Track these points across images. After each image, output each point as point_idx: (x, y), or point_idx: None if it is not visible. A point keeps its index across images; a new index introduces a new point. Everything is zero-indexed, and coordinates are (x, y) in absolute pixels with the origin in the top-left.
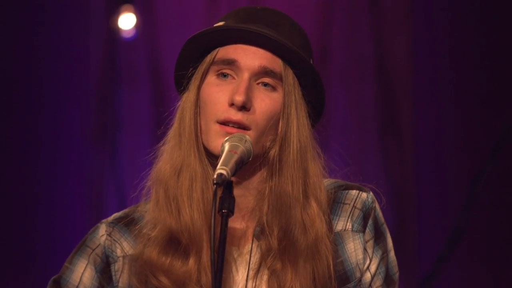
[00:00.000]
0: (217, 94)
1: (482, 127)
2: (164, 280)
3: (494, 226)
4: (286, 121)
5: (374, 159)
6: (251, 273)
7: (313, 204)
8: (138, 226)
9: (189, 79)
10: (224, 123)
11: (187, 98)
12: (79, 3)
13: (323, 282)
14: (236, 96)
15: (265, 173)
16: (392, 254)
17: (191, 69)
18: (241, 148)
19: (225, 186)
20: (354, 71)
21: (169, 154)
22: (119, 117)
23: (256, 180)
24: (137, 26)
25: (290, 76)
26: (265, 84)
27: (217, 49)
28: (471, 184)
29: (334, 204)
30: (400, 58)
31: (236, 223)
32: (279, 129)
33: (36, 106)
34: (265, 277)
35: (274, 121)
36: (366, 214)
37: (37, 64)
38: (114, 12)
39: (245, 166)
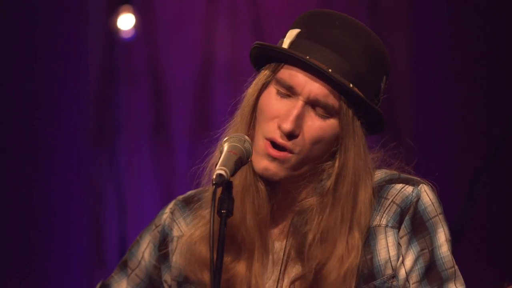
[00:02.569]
0: (273, 108)
1: (482, 127)
2: (208, 279)
3: (494, 226)
4: (344, 155)
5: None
6: (282, 268)
7: (356, 234)
8: (198, 204)
9: (259, 71)
10: (270, 141)
11: (247, 98)
12: (78, 3)
13: None
14: (283, 124)
15: (315, 199)
16: (443, 249)
17: (263, 69)
18: (240, 148)
19: (224, 186)
20: None
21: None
22: (118, 117)
23: (301, 195)
24: (136, 26)
25: (346, 111)
26: (322, 113)
27: (282, 64)
28: (471, 184)
29: (376, 198)
30: (400, 58)
31: (279, 220)
32: (336, 163)
33: (34, 106)
34: (292, 278)
35: (321, 147)
36: (405, 209)
37: (35, 64)
38: (113, 13)
39: (292, 179)
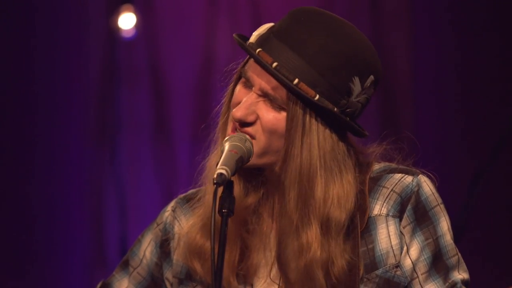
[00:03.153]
0: (237, 97)
1: (482, 127)
2: (197, 267)
3: (494, 226)
4: (287, 144)
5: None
6: (274, 252)
7: (314, 227)
8: (197, 200)
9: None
10: (233, 129)
11: (227, 95)
12: (79, 3)
13: None
14: (234, 111)
15: (273, 187)
16: (447, 238)
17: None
18: (242, 147)
19: (225, 186)
20: None
21: (214, 144)
22: (118, 117)
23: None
24: (137, 26)
25: (295, 104)
26: (273, 103)
27: (248, 58)
28: (471, 184)
29: (374, 187)
30: (400, 58)
31: (266, 204)
32: (279, 147)
33: (35, 106)
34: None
35: (277, 138)
36: (405, 199)
37: (36, 64)
38: (114, 12)
39: (267, 170)
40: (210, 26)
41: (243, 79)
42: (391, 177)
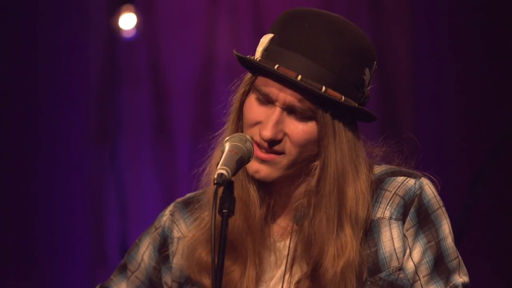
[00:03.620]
0: (255, 115)
1: (482, 127)
2: (206, 282)
3: (495, 226)
4: (324, 156)
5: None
6: (288, 267)
7: (348, 230)
8: (197, 205)
9: (242, 79)
10: (257, 144)
11: (234, 100)
12: (79, 3)
13: None
14: (263, 132)
15: (303, 191)
16: (448, 241)
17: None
18: (242, 148)
19: (226, 186)
20: None
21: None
22: (119, 117)
23: (298, 192)
24: (137, 26)
25: (324, 112)
26: (301, 115)
27: (256, 75)
28: (471, 184)
29: (377, 190)
30: (400, 58)
31: (279, 219)
32: (316, 162)
33: (36, 106)
34: (296, 276)
35: (309, 147)
36: (408, 201)
37: (37, 64)
38: (114, 12)
39: (281, 181)
40: (210, 26)
41: (256, 95)
42: (394, 180)
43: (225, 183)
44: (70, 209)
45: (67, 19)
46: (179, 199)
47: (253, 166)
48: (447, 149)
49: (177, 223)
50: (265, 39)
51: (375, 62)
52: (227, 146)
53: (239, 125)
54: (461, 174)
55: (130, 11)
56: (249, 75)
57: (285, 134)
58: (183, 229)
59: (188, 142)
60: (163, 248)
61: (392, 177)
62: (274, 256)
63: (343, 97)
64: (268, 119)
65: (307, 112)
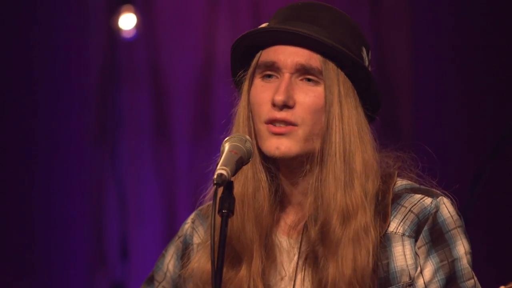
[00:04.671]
0: (262, 95)
1: (483, 127)
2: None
3: (494, 226)
4: (328, 115)
5: None
6: (300, 263)
7: (357, 190)
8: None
9: (241, 83)
10: (270, 122)
11: (240, 103)
12: (79, 3)
13: (362, 274)
14: (276, 96)
15: (309, 167)
16: (463, 262)
17: (242, 72)
18: (242, 148)
19: (225, 186)
20: None
21: None
22: (119, 117)
23: (305, 177)
24: (137, 26)
25: (330, 70)
26: (309, 80)
27: (260, 52)
28: (471, 184)
29: (393, 204)
30: (400, 58)
31: (289, 216)
32: (322, 124)
33: (35, 106)
34: (310, 268)
35: (320, 115)
36: (422, 220)
37: (37, 64)
38: (114, 12)
39: (293, 164)
40: (210, 26)
41: (261, 74)
42: (411, 196)
43: (225, 183)
44: (70, 209)
45: (67, 19)
46: (201, 207)
47: (272, 144)
48: (447, 149)
49: (196, 229)
50: (262, 25)
51: (370, 51)
52: (226, 146)
53: (250, 124)
54: (461, 174)
55: (130, 11)
56: (249, 69)
57: (295, 102)
58: (202, 236)
59: (188, 142)
60: (185, 256)
61: (411, 194)
62: (286, 253)
63: (352, 55)
64: (279, 85)
65: (315, 71)
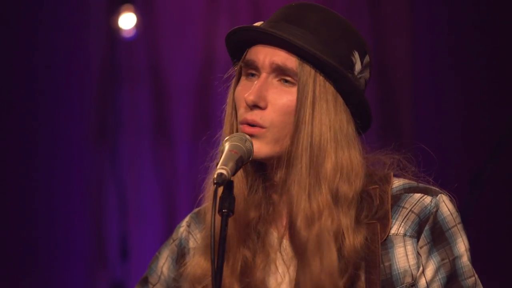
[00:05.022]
0: (242, 93)
1: (482, 127)
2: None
3: (494, 226)
4: (297, 117)
5: None
6: (288, 265)
7: (325, 193)
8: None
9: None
10: (243, 123)
11: (229, 96)
12: (79, 2)
13: (331, 280)
14: (247, 96)
15: (279, 169)
16: (464, 259)
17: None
18: (241, 147)
19: (225, 186)
20: None
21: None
22: (119, 117)
23: (277, 178)
24: (137, 26)
25: (306, 73)
26: (286, 81)
27: (246, 50)
28: (471, 184)
29: (394, 206)
30: (400, 58)
31: (277, 220)
32: (292, 126)
33: (36, 106)
34: (293, 268)
35: (291, 117)
36: (423, 219)
37: (37, 63)
38: (114, 12)
39: (266, 165)
40: (210, 26)
41: (245, 73)
42: (411, 197)
43: (225, 183)
44: (70, 209)
45: (67, 18)
46: (196, 209)
47: None
48: (447, 149)
49: (192, 233)
50: (256, 24)
51: (368, 57)
52: (226, 146)
53: (233, 122)
54: (461, 174)
55: (130, 11)
56: (238, 68)
57: (268, 103)
58: (199, 240)
59: (188, 142)
60: (180, 259)
61: (410, 194)
62: (282, 256)
63: (330, 60)
64: (253, 86)
65: (290, 72)
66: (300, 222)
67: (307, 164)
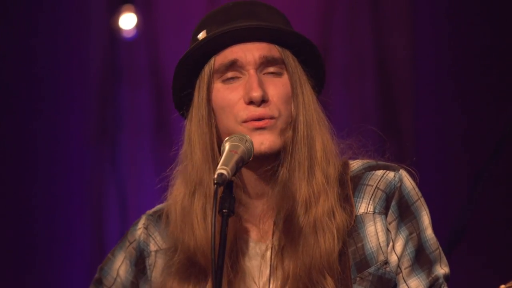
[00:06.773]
0: (229, 96)
1: (483, 127)
2: None
3: (495, 226)
4: (296, 103)
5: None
6: (274, 264)
7: (318, 176)
8: (166, 221)
9: (190, 98)
10: (248, 121)
11: (195, 115)
12: (80, 3)
13: (328, 259)
14: (252, 93)
15: (283, 158)
16: (428, 232)
17: (189, 89)
18: (242, 148)
19: (226, 186)
20: (354, 71)
21: (183, 175)
22: (119, 117)
23: (273, 169)
24: (137, 26)
25: (290, 57)
26: (271, 73)
27: (213, 58)
28: (471, 185)
29: (358, 186)
30: (401, 58)
31: (260, 220)
32: (292, 112)
33: (36, 106)
34: (280, 265)
35: (290, 105)
36: (390, 195)
37: (37, 64)
38: (114, 12)
39: (269, 158)
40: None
41: (222, 78)
42: (373, 174)
43: (225, 183)
44: (70, 209)
45: (67, 19)
46: (150, 211)
47: (256, 139)
48: (447, 149)
49: (152, 236)
50: (202, 35)
51: None
52: (227, 146)
53: (213, 133)
54: (461, 174)
55: (130, 11)
56: (203, 78)
57: (269, 96)
58: (160, 242)
59: None
60: (139, 262)
61: (371, 171)
62: (259, 260)
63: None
64: (249, 84)
65: (277, 61)
66: (300, 208)
67: (305, 149)
